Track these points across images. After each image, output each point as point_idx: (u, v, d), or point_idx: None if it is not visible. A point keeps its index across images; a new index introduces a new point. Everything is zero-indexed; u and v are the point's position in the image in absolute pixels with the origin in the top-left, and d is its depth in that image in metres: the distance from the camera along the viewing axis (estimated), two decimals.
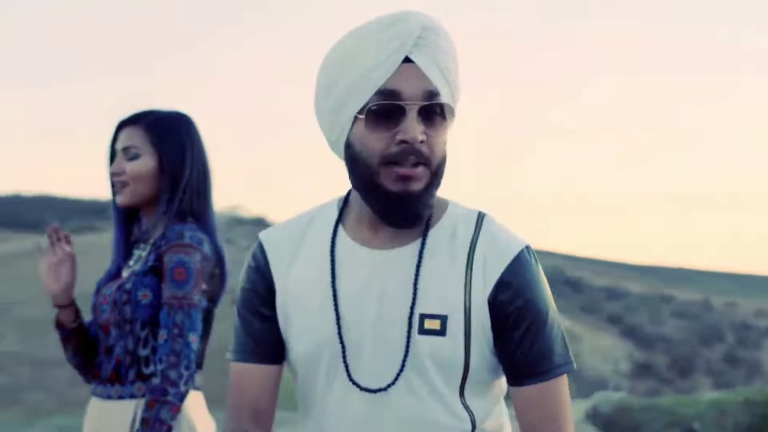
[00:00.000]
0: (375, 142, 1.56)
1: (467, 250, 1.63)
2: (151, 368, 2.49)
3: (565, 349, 1.66)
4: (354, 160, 1.60)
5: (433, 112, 1.57)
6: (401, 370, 1.61)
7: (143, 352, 2.50)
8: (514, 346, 1.62)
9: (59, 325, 2.62)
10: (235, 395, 1.74)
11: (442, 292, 1.61)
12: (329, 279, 1.66)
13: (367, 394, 1.63)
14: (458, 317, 1.60)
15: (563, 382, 1.65)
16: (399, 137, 1.55)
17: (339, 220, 1.70)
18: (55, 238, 2.59)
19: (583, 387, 29.36)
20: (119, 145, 2.59)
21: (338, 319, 1.64)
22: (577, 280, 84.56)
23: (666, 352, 61.75)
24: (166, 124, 2.59)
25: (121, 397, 2.51)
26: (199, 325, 2.48)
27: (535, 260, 1.66)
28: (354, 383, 1.63)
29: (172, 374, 2.40)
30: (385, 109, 1.55)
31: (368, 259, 1.65)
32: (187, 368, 2.43)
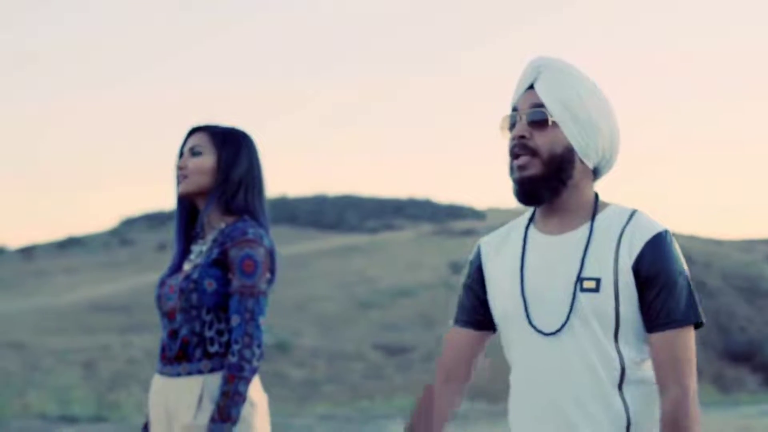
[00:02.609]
0: (508, 141, 2.20)
1: (619, 232, 2.13)
2: (216, 348, 2.84)
3: (689, 308, 2.09)
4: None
5: (539, 119, 2.14)
6: (567, 318, 2.10)
7: (209, 334, 2.85)
8: (649, 303, 2.08)
9: None
10: (440, 356, 2.34)
11: (598, 262, 2.11)
12: (519, 257, 2.22)
13: (544, 337, 2.14)
14: (609, 279, 2.09)
15: (684, 334, 2.09)
16: (511, 136, 2.18)
17: (532, 216, 2.27)
18: None
19: None
20: (187, 147, 3.00)
21: (522, 283, 2.19)
22: None
23: None
24: (227, 132, 3.01)
25: (189, 374, 2.84)
26: (266, 310, 2.86)
27: (674, 241, 2.13)
28: (533, 327, 2.15)
29: (247, 353, 2.77)
30: (510, 117, 2.21)
31: (544, 242, 2.20)
32: (259, 347, 2.81)
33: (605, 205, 2.21)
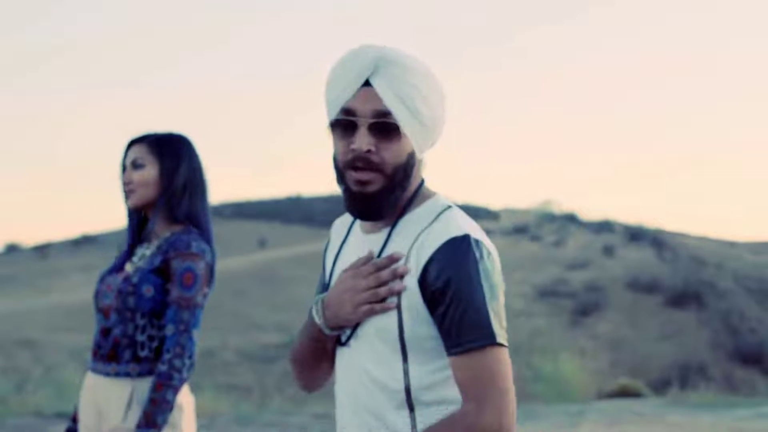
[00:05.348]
0: (339, 150, 1.90)
1: (414, 237, 1.88)
2: (146, 352, 2.94)
3: (483, 328, 1.79)
4: (334, 164, 1.93)
5: (384, 128, 1.85)
6: (354, 329, 1.93)
7: (140, 338, 2.94)
8: (440, 321, 1.81)
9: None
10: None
11: (401, 255, 1.88)
12: (336, 253, 2.07)
13: (341, 349, 1.98)
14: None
15: (482, 357, 1.79)
16: (351, 146, 1.87)
17: None
18: None
19: None
20: (128, 160, 3.08)
21: (329, 284, 2.05)
22: None
23: None
24: (165, 141, 3.07)
25: (117, 375, 2.93)
26: (200, 323, 2.95)
27: (473, 248, 1.82)
28: (335, 335, 2.00)
29: (177, 363, 2.87)
30: (342, 123, 1.88)
31: (358, 239, 2.01)
32: (190, 357, 2.90)
33: (425, 198, 1.97)
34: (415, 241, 1.87)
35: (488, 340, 1.79)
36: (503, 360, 1.81)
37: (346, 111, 1.87)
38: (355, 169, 1.87)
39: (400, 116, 1.85)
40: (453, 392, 1.86)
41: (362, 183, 1.87)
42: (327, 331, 1.97)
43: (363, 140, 1.85)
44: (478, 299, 1.80)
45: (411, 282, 1.85)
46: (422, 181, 1.98)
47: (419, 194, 1.96)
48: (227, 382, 26.71)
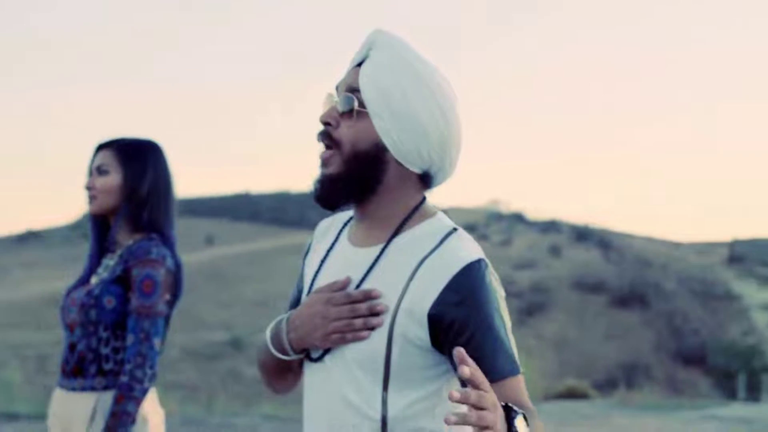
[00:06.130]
0: None
1: (419, 260, 1.72)
2: (111, 365, 2.87)
3: (507, 360, 1.69)
4: None
5: (349, 101, 1.76)
6: (326, 350, 1.78)
7: (104, 351, 2.87)
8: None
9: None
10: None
11: (380, 291, 1.73)
12: (320, 261, 1.89)
13: (312, 363, 1.82)
14: (386, 315, 1.71)
15: (517, 382, 1.70)
16: (320, 118, 1.79)
17: (350, 220, 1.91)
18: None
19: None
20: (94, 165, 3.01)
21: (309, 293, 1.87)
22: None
23: None
24: (133, 147, 3.00)
25: (83, 389, 2.87)
26: (162, 331, 2.87)
27: (487, 273, 1.72)
28: (307, 353, 1.84)
29: (138, 373, 2.80)
30: (329, 96, 1.81)
31: (345, 252, 1.84)
32: (151, 368, 2.83)
33: (426, 216, 1.81)
34: (419, 266, 1.73)
35: (516, 369, 1.71)
36: (522, 386, 1.74)
37: (337, 88, 1.82)
38: (324, 147, 1.79)
39: (368, 95, 1.74)
40: (432, 424, 1.74)
41: (323, 162, 1.78)
42: (291, 354, 1.84)
43: (328, 112, 1.78)
44: (500, 328, 1.71)
45: (415, 309, 1.71)
46: (423, 199, 1.83)
47: (418, 211, 1.81)
48: (173, 381, 26.52)
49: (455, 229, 1.78)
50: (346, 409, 1.74)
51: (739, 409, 14.00)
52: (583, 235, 79.28)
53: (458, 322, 1.68)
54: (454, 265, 1.69)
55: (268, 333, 1.88)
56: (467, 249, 1.73)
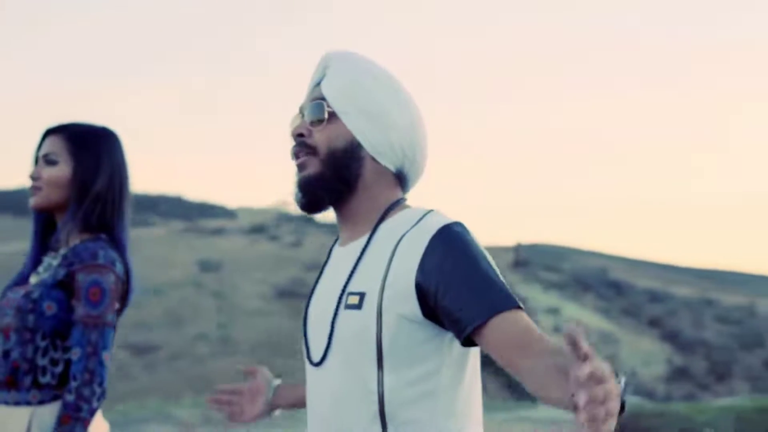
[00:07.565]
0: None
1: (399, 237, 1.79)
2: (47, 378, 2.55)
3: (502, 292, 1.68)
4: None
5: (317, 110, 1.88)
6: (329, 344, 1.80)
7: (41, 362, 2.56)
8: (453, 303, 1.68)
9: None
10: None
11: (368, 273, 1.79)
12: (316, 278, 1.97)
13: (314, 368, 1.85)
14: (374, 292, 1.75)
15: (520, 314, 1.67)
16: (291, 134, 1.93)
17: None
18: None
19: None
20: (42, 152, 2.70)
21: (308, 305, 1.93)
22: (620, 281, 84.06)
23: (705, 357, 61.34)
24: (87, 135, 2.70)
25: (17, 403, 2.54)
26: (111, 344, 2.58)
27: (465, 231, 1.75)
28: (308, 356, 1.87)
29: (86, 391, 2.49)
30: (295, 118, 1.95)
31: (336, 257, 1.92)
32: (100, 385, 2.53)
33: (403, 208, 1.90)
34: (399, 242, 1.79)
35: (513, 301, 1.68)
36: (525, 318, 1.69)
37: (301, 109, 1.95)
38: (296, 156, 1.90)
39: (333, 100, 1.88)
40: (428, 415, 1.74)
41: (300, 167, 1.89)
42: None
43: (299, 126, 1.91)
44: (488, 269, 1.72)
45: (400, 280, 1.75)
46: (403, 199, 1.93)
47: (398, 205, 1.91)
48: None
49: (432, 210, 1.85)
50: (343, 400, 1.77)
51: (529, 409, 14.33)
52: None
53: (444, 280, 1.70)
54: (430, 231, 1.76)
55: None
56: (444, 217, 1.80)
